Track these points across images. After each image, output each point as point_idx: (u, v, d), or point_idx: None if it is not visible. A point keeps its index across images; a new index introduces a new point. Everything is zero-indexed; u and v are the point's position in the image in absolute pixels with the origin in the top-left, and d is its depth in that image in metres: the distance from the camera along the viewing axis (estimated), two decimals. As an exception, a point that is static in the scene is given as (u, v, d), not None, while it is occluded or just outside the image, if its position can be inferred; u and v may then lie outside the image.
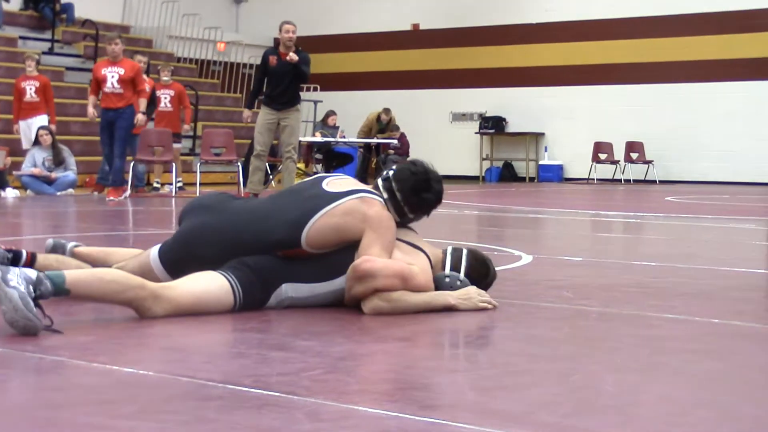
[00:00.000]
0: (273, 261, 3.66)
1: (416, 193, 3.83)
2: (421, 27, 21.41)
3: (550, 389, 2.59)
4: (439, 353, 3.15)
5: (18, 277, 3.16)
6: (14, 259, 3.86)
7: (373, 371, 2.88)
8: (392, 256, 3.66)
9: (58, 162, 12.57)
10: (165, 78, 13.44)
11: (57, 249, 4.13)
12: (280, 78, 10.97)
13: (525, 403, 2.45)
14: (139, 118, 11.61)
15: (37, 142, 12.63)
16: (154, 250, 3.78)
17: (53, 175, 12.48)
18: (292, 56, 11.01)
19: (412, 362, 2.95)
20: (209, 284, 3.55)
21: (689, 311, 3.85)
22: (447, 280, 3.76)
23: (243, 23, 23.12)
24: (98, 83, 11.64)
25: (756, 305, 4.29)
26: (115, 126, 11.61)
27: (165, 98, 13.29)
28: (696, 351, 3.10)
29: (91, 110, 11.78)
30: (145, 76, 12.40)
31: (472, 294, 3.70)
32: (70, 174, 12.68)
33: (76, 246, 4.16)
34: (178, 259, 3.71)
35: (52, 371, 2.72)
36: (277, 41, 11.56)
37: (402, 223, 3.87)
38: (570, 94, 19.72)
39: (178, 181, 13.35)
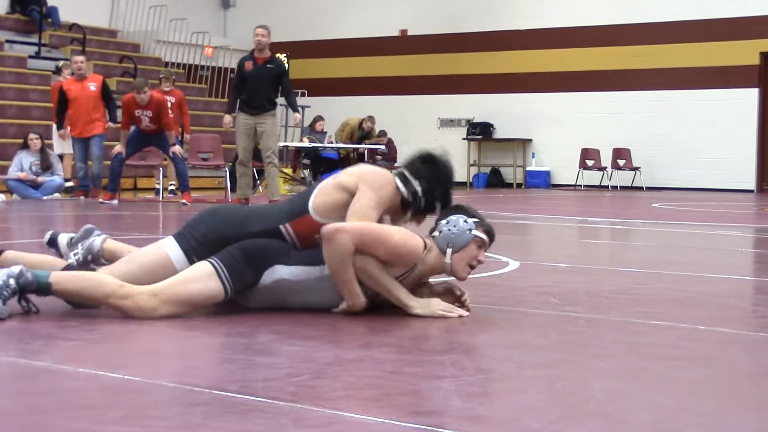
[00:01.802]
0: (270, 243, 3.72)
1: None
2: (409, 33, 21.43)
3: (537, 395, 2.60)
4: (425, 359, 3.15)
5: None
6: None
7: (359, 377, 2.87)
8: (388, 232, 3.65)
9: (46, 167, 12.53)
10: (166, 87, 13.40)
11: (89, 232, 4.14)
12: (256, 83, 11.09)
13: (511, 409, 2.45)
14: (176, 150, 11.70)
15: (25, 145, 12.59)
16: (170, 245, 3.75)
17: (39, 179, 12.44)
18: (296, 117, 11.92)
19: (399, 368, 2.95)
20: (196, 278, 3.58)
21: (675, 318, 3.85)
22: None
23: (231, 28, 23.11)
24: (131, 118, 11.61)
25: (741, 312, 4.30)
26: (159, 144, 11.85)
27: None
28: (682, 357, 3.11)
29: (118, 147, 11.73)
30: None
31: (432, 303, 3.70)
32: (57, 178, 12.64)
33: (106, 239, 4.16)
34: (198, 236, 3.74)
35: (38, 376, 2.71)
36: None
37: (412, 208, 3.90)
38: (557, 101, 19.76)
39: (171, 184, 13.38)
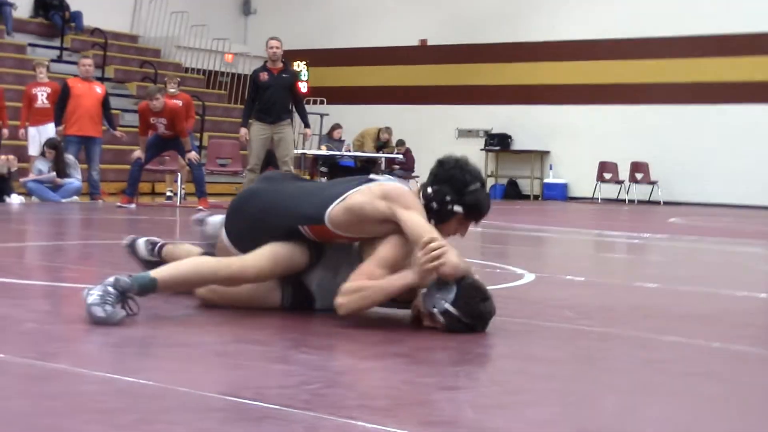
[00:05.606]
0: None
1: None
2: (429, 43, 21.47)
3: (549, 408, 2.60)
4: (438, 370, 3.15)
5: (96, 288, 3.45)
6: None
7: (372, 386, 2.88)
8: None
9: (63, 175, 12.57)
10: (172, 90, 13.40)
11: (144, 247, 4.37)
12: (272, 92, 11.26)
13: (523, 422, 2.45)
14: (192, 156, 11.70)
15: (42, 152, 12.64)
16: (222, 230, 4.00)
17: (58, 180, 12.47)
18: (307, 132, 12.16)
19: (412, 378, 2.96)
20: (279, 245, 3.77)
21: (690, 334, 3.85)
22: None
23: (251, 35, 23.19)
24: (148, 126, 11.58)
25: (757, 329, 4.29)
26: (178, 148, 11.85)
27: None
28: (696, 374, 3.11)
29: (138, 153, 11.65)
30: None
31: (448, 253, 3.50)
32: (75, 181, 12.68)
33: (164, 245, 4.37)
34: (234, 221, 3.92)
35: (54, 379, 2.73)
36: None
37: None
38: (575, 113, 19.74)
39: (169, 190, 13.43)
